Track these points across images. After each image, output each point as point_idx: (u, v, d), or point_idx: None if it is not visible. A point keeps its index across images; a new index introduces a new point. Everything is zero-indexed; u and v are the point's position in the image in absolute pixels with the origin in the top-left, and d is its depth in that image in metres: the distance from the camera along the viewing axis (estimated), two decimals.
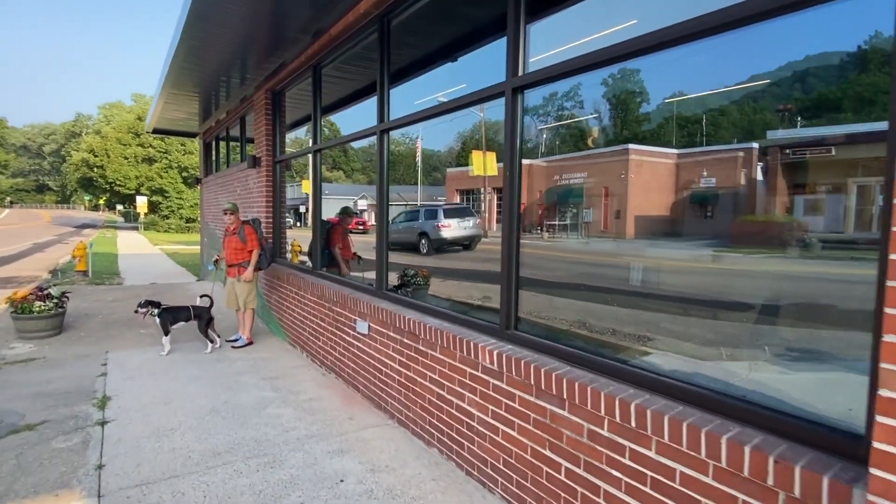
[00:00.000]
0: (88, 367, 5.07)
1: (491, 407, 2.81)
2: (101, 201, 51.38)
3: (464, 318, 3.21)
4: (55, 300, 6.08)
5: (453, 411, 3.13)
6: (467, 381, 2.99)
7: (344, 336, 4.62)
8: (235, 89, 7.55)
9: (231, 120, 9.44)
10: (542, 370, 2.41)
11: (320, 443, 3.45)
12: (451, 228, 11.86)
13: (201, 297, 5.83)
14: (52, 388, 4.47)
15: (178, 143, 44.48)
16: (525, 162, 2.91)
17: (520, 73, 2.76)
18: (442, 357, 3.22)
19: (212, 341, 5.74)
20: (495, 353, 2.72)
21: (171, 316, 5.63)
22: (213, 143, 11.82)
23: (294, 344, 5.99)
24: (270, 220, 7.09)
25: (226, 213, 5.95)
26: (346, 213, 6.81)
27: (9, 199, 78.66)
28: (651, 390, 2.09)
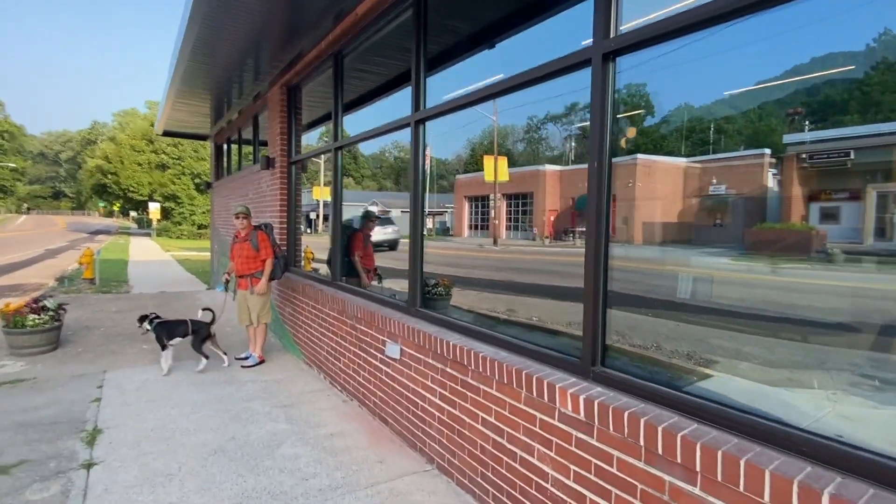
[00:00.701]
0: (82, 390, 4.51)
1: (573, 467, 2.17)
2: (116, 207, 51.65)
3: (531, 347, 2.58)
4: (51, 313, 5.55)
5: (516, 465, 2.49)
6: (537, 430, 2.35)
7: (370, 359, 4.01)
8: (248, 85, 7.04)
9: (244, 121, 8.95)
10: (660, 428, 1.77)
11: (347, 497, 2.82)
12: (374, 233, 15.33)
13: (203, 310, 5.27)
14: (38, 416, 3.91)
15: (191, 150, 44.54)
16: (555, 169, 2.39)
17: (611, 34, 2.15)
18: (499, 395, 2.59)
19: (206, 357, 5.17)
20: (581, 398, 2.09)
21: (165, 330, 5.08)
22: (225, 146, 11.37)
23: (310, 363, 5.39)
24: (285, 225, 6.54)
25: (237, 218, 5.39)
26: (367, 217, 6.23)
27: (26, 205, 79.75)
28: (831, 466, 1.45)
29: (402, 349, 3.52)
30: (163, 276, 14.11)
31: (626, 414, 1.90)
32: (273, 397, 4.44)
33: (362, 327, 4.11)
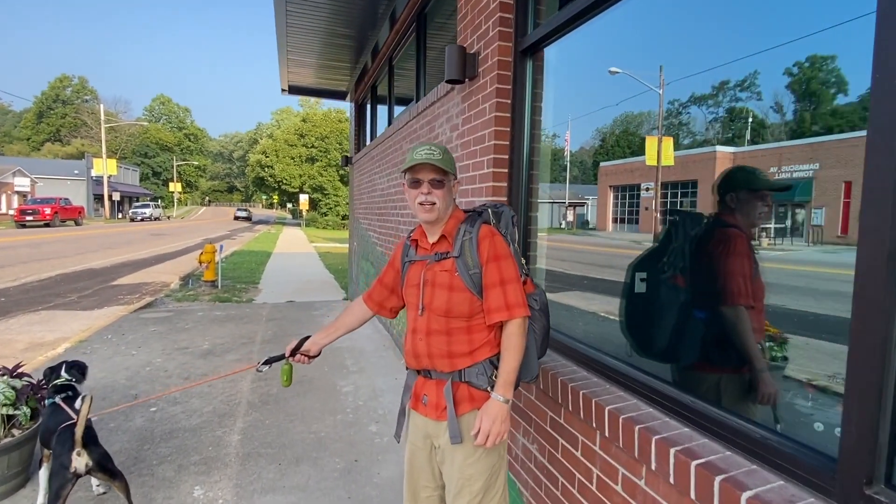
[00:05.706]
0: None
1: None
2: (275, 199, 55.34)
3: None
4: (7, 408, 2.40)
5: None
6: None
7: None
8: None
9: (401, 36, 5.40)
10: None
11: None
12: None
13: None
14: None
15: (336, 142, 45.17)
16: (728, 150, 2.07)
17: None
18: None
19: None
20: None
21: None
22: (369, 105, 8.14)
23: None
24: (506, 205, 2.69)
25: (414, 184, 1.59)
26: (759, 188, 2.03)
27: (207, 198, 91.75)
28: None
29: None
30: (300, 276, 11.75)
31: None
32: None
33: None
